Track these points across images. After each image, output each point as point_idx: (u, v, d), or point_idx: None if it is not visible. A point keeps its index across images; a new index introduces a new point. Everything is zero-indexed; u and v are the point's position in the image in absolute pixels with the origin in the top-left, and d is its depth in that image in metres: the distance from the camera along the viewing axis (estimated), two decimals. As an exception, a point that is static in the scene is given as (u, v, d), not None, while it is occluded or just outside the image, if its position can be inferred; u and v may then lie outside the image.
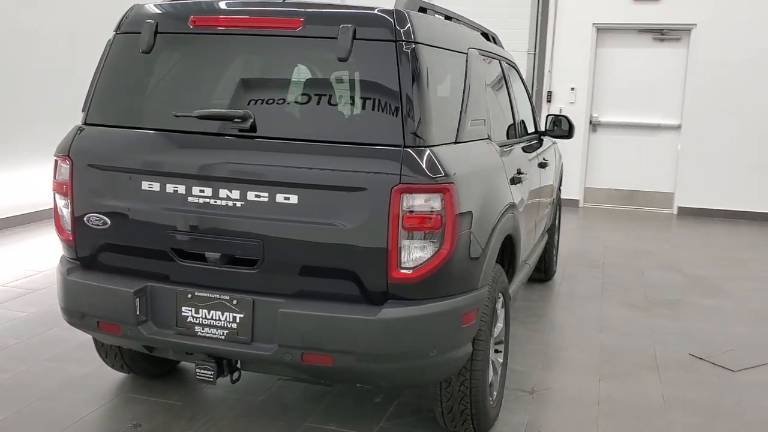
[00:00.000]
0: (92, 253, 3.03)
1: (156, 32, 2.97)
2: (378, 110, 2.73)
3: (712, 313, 5.43)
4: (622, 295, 5.81)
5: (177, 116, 2.88)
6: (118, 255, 2.99)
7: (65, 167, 3.02)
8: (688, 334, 4.93)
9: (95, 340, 3.61)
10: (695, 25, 9.48)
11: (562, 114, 5.32)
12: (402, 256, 2.66)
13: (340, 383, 3.59)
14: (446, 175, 2.68)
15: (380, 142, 2.70)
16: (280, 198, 2.71)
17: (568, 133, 5.16)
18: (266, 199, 2.72)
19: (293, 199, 2.70)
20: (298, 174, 2.70)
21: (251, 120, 2.77)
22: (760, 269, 6.96)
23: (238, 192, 2.75)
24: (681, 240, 8.30)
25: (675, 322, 5.17)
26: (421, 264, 2.68)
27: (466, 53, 3.41)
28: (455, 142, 3.01)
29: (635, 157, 10.05)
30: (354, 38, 2.74)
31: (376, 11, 2.81)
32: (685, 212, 9.84)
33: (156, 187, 2.86)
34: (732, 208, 9.64)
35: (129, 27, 3.06)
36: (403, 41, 2.74)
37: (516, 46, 9.79)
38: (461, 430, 3.23)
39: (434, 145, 2.76)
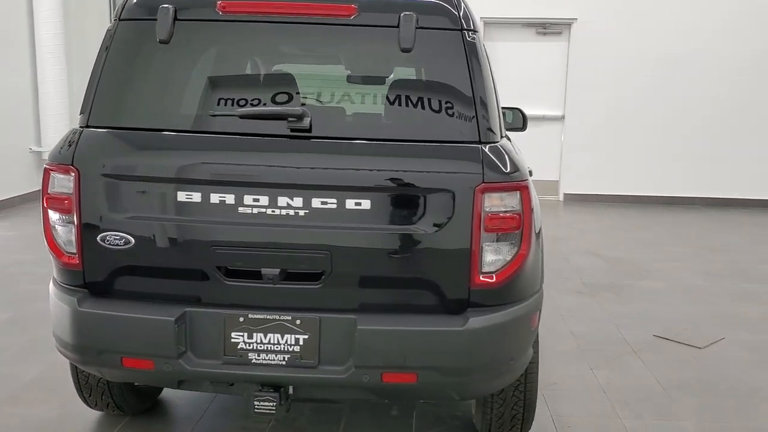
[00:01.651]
0: (107, 277, 2.58)
1: (175, 19, 2.58)
2: (449, 105, 2.53)
3: (651, 294, 5.70)
4: (564, 282, 5.96)
5: (214, 116, 2.52)
6: (144, 278, 2.57)
7: (67, 179, 2.54)
8: (642, 315, 5.13)
9: (77, 378, 3.12)
10: (575, 19, 9.95)
11: (515, 106, 5.35)
12: (483, 260, 2.50)
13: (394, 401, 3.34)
14: (521, 172, 2.55)
15: (455, 139, 2.51)
16: (350, 204, 2.44)
17: (522, 126, 5.15)
18: (334, 206, 2.44)
19: (365, 204, 2.45)
20: (370, 177, 2.45)
21: (308, 119, 2.47)
22: (671, 249, 7.40)
23: (301, 199, 2.45)
24: (582, 225, 8.69)
25: (625, 306, 5.37)
26: (501, 268, 2.53)
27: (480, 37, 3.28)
28: (502, 137, 2.88)
29: (523, 147, 10.37)
30: (417, 27, 2.52)
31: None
32: (571, 198, 10.34)
33: (196, 197, 2.48)
34: (614, 193, 10.25)
35: (137, 12, 2.63)
36: (467, 29, 2.57)
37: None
38: None
39: (499, 142, 2.62)
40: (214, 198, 2.46)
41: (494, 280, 2.51)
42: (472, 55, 2.54)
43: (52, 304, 2.68)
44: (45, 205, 2.63)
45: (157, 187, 2.50)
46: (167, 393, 3.59)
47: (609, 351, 4.40)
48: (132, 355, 2.54)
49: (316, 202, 2.44)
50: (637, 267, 6.57)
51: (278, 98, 2.57)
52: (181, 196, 2.48)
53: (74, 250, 2.59)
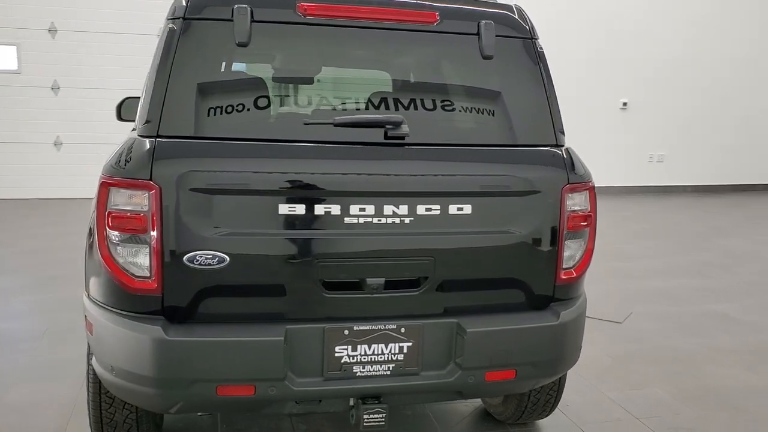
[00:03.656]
0: (192, 301, 2.36)
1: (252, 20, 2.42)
2: (528, 110, 2.65)
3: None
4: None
5: (307, 124, 2.41)
6: (236, 299, 2.39)
7: (141, 195, 2.29)
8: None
9: (99, 413, 2.79)
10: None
11: None
12: (565, 256, 2.66)
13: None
14: (588, 172, 2.74)
15: (536, 143, 2.64)
16: (453, 209, 2.47)
17: None
18: (438, 212, 2.45)
19: (467, 209, 2.49)
20: (472, 182, 2.50)
21: (406, 125, 2.45)
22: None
23: (407, 207, 2.42)
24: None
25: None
26: (577, 263, 2.70)
27: None
28: None
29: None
30: (496, 35, 2.60)
31: (502, 7, 2.70)
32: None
33: (300, 209, 2.35)
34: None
35: (207, 12, 2.41)
36: (536, 38, 2.70)
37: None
38: (533, 419, 3.31)
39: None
40: (319, 209, 2.36)
41: (574, 275, 2.68)
42: (542, 62, 2.68)
43: (111, 335, 2.39)
44: (104, 224, 2.34)
45: (256, 200, 2.34)
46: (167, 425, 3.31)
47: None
48: (230, 382, 2.36)
49: (421, 209, 2.44)
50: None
51: (369, 105, 2.51)
52: (283, 208, 2.34)
53: (148, 274, 2.33)
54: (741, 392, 3.91)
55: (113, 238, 2.34)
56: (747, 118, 12.66)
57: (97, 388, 2.75)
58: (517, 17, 2.68)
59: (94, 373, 2.72)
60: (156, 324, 2.33)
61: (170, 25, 2.41)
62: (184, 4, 2.42)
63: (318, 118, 2.41)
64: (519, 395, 3.19)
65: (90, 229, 2.83)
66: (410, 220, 2.43)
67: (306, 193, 2.35)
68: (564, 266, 2.66)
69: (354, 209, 2.38)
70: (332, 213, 2.37)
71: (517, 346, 2.56)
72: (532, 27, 2.70)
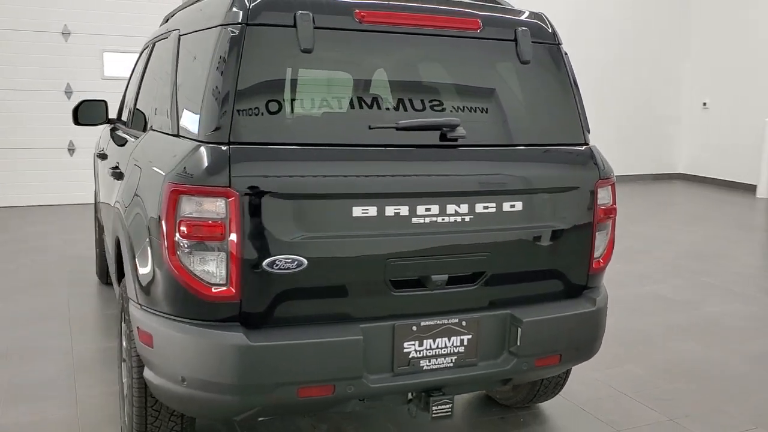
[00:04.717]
0: (270, 306, 2.38)
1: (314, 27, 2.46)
2: (561, 110, 2.84)
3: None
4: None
5: (372, 128, 2.48)
6: (311, 301, 2.43)
7: (222, 202, 2.28)
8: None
9: (144, 427, 2.73)
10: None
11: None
12: (596, 247, 2.87)
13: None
14: (611, 167, 2.96)
15: (569, 142, 2.83)
16: (506, 206, 2.62)
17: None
18: (494, 210, 2.60)
19: (518, 206, 2.65)
20: (523, 180, 2.67)
21: (461, 128, 2.57)
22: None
23: (467, 205, 2.55)
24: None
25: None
26: (602, 253, 2.92)
27: None
28: None
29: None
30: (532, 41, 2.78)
31: (532, 14, 2.87)
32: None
33: (372, 211, 2.42)
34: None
35: (270, 18, 2.43)
36: (561, 43, 2.89)
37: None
38: (540, 401, 3.52)
39: None
40: (389, 211, 2.44)
41: (602, 264, 2.91)
42: (568, 65, 2.88)
43: (183, 345, 2.37)
44: (174, 232, 2.31)
45: (332, 203, 2.38)
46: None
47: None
48: (312, 383, 2.39)
49: (479, 207, 2.57)
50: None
51: (423, 108, 2.61)
52: (357, 211, 2.40)
53: (225, 281, 2.33)
54: (702, 363, 4.31)
55: (185, 246, 2.32)
56: (636, 114, 13.55)
57: (143, 402, 2.69)
58: (546, 24, 2.87)
59: (142, 386, 2.67)
60: (236, 330, 2.33)
61: (230, 31, 2.40)
62: (241, 9, 2.42)
63: (380, 122, 2.48)
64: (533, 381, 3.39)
65: (125, 239, 2.76)
66: (470, 218, 2.56)
67: (378, 194, 2.43)
68: (595, 256, 2.87)
69: (421, 209, 2.48)
70: (401, 214, 2.46)
71: (564, 332, 2.75)
72: (557, 33, 2.89)
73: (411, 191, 2.48)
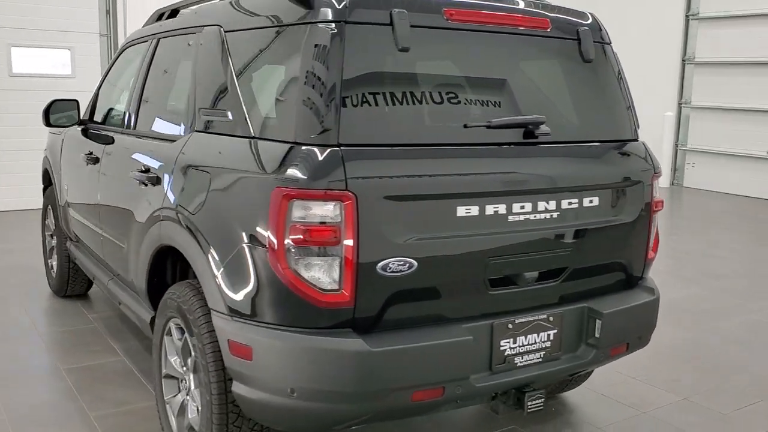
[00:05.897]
0: (381, 309, 2.31)
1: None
2: (617, 107, 2.93)
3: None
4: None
5: (467, 127, 2.47)
6: (418, 302, 2.38)
7: (338, 206, 2.20)
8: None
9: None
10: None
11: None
12: (651, 239, 2.99)
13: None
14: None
15: (627, 137, 2.93)
16: (586, 202, 2.68)
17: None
18: (576, 206, 2.65)
19: (596, 201, 2.71)
20: (600, 175, 2.75)
21: (545, 125, 2.61)
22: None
23: (555, 202, 2.59)
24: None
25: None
26: (653, 244, 3.05)
27: None
28: None
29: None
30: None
31: (588, 14, 2.95)
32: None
33: (474, 210, 2.41)
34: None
35: (368, 16, 2.36)
36: (611, 43, 2.98)
37: (86, 27, 8.96)
38: (568, 389, 3.63)
39: None
40: (489, 210, 2.44)
41: (653, 254, 3.03)
42: (619, 64, 2.98)
43: (294, 356, 2.27)
44: (283, 237, 2.21)
45: (439, 204, 2.35)
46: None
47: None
48: (425, 386, 2.35)
49: (564, 204, 2.62)
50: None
51: (508, 106, 2.62)
52: (461, 210, 2.39)
53: (338, 286, 2.25)
54: (689, 344, 4.59)
55: (295, 252, 2.22)
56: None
57: (224, 419, 2.55)
58: (598, 24, 2.95)
59: (223, 402, 2.53)
60: (353, 336, 2.26)
61: (330, 28, 2.31)
62: (336, 7, 2.34)
63: (471, 120, 2.48)
64: None
65: (195, 248, 2.61)
66: (557, 215, 2.60)
67: (480, 194, 2.43)
68: (650, 248, 2.99)
69: (516, 207, 2.50)
70: (500, 212, 2.46)
71: (634, 321, 2.85)
72: (607, 32, 2.99)
73: (508, 189, 2.49)
